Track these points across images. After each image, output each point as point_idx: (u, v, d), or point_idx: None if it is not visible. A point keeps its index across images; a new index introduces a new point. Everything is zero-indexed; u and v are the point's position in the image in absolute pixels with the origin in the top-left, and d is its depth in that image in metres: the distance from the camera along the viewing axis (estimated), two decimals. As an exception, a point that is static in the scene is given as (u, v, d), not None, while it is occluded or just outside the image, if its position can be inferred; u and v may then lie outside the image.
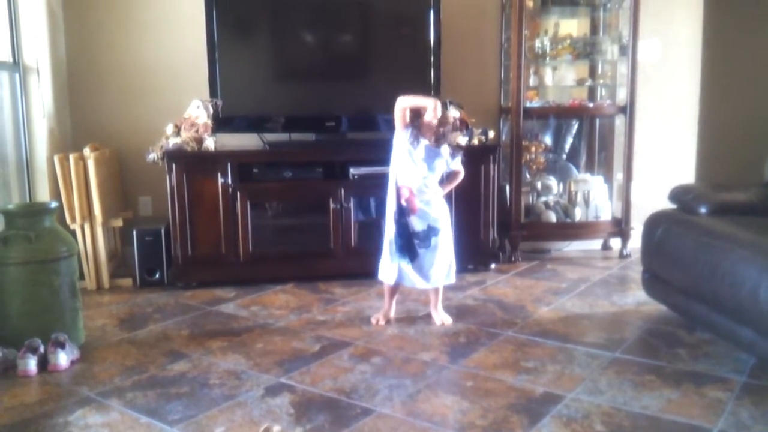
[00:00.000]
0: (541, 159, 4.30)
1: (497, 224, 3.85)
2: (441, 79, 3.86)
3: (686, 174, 4.47)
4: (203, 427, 2.03)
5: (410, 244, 2.85)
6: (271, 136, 3.80)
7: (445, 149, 2.84)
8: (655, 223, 2.98)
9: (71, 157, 3.37)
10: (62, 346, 2.48)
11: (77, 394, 2.27)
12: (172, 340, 2.79)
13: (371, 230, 3.51)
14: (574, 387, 2.29)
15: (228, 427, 2.03)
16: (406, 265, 2.87)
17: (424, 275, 2.90)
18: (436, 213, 2.88)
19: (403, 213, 2.85)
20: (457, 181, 3.00)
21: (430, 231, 2.87)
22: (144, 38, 3.90)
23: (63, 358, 2.46)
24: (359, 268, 3.58)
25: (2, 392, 2.29)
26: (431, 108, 2.74)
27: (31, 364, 2.42)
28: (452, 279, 2.98)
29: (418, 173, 2.82)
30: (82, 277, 3.35)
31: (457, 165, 2.93)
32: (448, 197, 3.16)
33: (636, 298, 3.33)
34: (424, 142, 2.80)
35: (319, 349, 2.67)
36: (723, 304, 2.49)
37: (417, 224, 2.86)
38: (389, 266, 2.91)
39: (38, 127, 3.47)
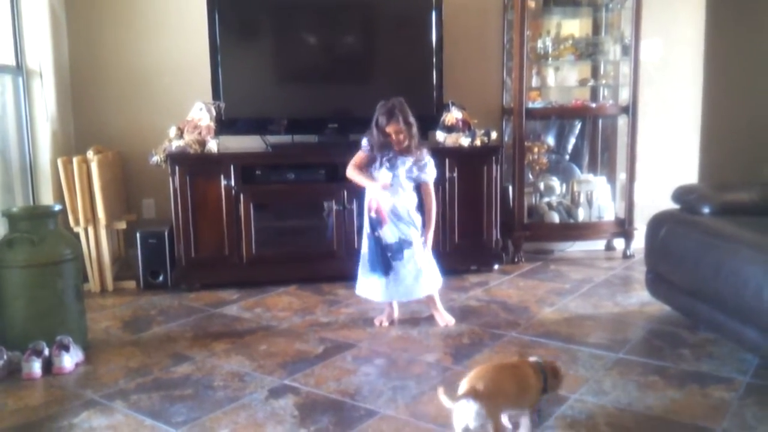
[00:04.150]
0: (544, 160, 4.30)
1: (500, 225, 3.84)
2: (443, 80, 3.86)
3: (689, 174, 4.46)
4: (207, 429, 2.04)
5: (384, 258, 2.87)
6: (273, 139, 3.80)
7: (410, 159, 2.85)
8: (658, 223, 2.97)
9: (74, 160, 3.37)
10: (66, 348, 2.49)
11: (82, 396, 2.28)
12: (175, 343, 2.79)
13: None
14: (578, 388, 2.29)
15: (232, 429, 2.04)
16: (381, 280, 2.88)
17: (404, 288, 2.89)
18: (407, 226, 2.87)
19: (374, 227, 2.88)
20: (431, 202, 2.92)
21: (402, 244, 2.86)
22: (147, 41, 3.91)
23: (67, 361, 2.47)
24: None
25: (7, 395, 2.30)
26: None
27: (36, 366, 2.42)
28: (432, 290, 2.95)
29: (383, 177, 2.84)
30: (85, 279, 3.36)
31: (426, 177, 2.90)
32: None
33: (639, 298, 3.32)
34: (389, 155, 2.85)
35: (322, 351, 2.67)
36: (727, 304, 2.49)
37: (389, 237, 2.86)
38: (367, 282, 2.93)
39: (41, 130, 3.48)
